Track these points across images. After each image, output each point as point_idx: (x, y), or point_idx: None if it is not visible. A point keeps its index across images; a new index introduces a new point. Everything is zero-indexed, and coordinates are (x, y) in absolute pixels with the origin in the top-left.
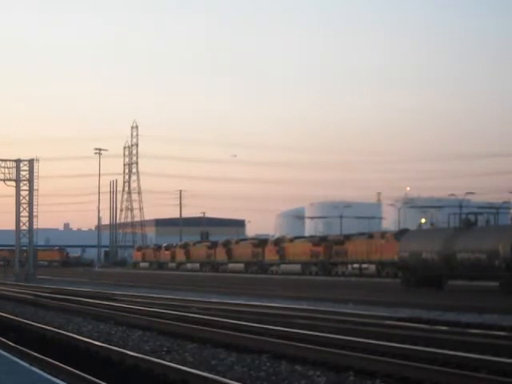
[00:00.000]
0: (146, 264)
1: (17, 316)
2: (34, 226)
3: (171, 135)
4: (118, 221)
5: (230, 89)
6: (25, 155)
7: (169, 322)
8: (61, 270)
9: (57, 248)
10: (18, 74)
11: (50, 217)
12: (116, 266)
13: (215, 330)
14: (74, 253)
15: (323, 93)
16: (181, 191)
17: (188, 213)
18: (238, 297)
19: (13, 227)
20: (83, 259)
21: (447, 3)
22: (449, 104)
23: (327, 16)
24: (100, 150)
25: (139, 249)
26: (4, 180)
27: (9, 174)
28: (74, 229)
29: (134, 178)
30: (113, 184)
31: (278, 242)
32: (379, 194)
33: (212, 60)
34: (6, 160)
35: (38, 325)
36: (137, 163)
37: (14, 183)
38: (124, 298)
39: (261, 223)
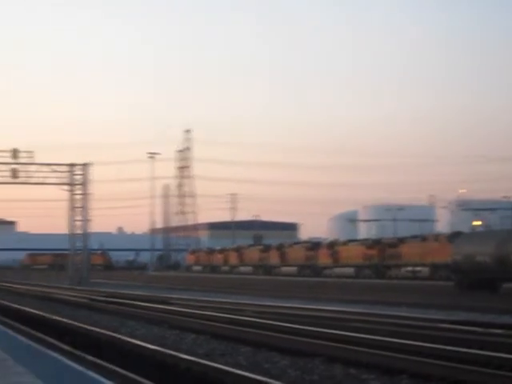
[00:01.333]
0: (199, 267)
1: (72, 320)
2: (88, 230)
3: (224, 139)
4: (171, 224)
5: (281, 91)
6: (78, 160)
7: (222, 325)
8: (110, 274)
9: (100, 252)
10: (70, 80)
11: (103, 221)
12: (169, 270)
13: (269, 333)
14: (127, 257)
15: (369, 93)
16: (234, 195)
17: (241, 216)
18: (291, 300)
19: (65, 231)
20: (137, 263)
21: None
22: (504, 104)
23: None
24: (153, 154)
25: (192, 252)
26: (58, 184)
27: (63, 178)
28: (128, 232)
29: (186, 181)
30: (166, 188)
31: (332, 245)
32: (432, 196)
33: (264, 62)
34: (59, 164)
35: (93, 328)
36: (190, 167)
37: (67, 187)
38: (177, 302)
39: (314, 226)
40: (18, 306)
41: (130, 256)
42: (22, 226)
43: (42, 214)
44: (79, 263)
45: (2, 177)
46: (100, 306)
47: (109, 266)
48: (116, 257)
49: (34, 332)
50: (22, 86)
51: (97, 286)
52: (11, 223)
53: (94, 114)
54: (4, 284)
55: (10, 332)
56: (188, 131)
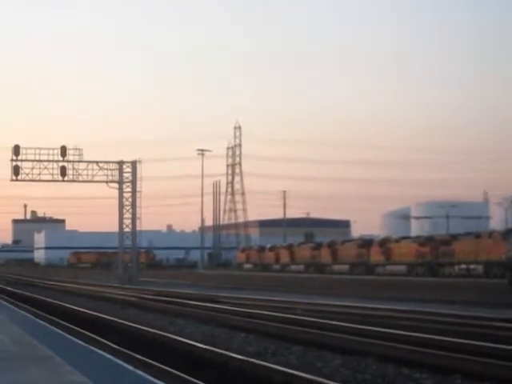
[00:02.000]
0: (249, 265)
1: (121, 318)
2: (137, 228)
3: (274, 135)
4: (221, 222)
5: (332, 86)
6: (128, 157)
7: (273, 323)
8: (159, 273)
9: (143, 250)
10: (119, 76)
11: (152, 219)
12: (220, 268)
13: (320, 331)
14: (177, 255)
15: (433, 89)
16: (284, 192)
17: (292, 213)
18: (342, 298)
19: (114, 229)
20: (187, 261)
21: None
22: None
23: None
24: (203, 150)
25: (243, 250)
26: (107, 182)
27: (112, 176)
28: (177, 230)
29: (237, 178)
30: (216, 185)
31: (384, 242)
32: (486, 193)
33: (315, 57)
34: (108, 162)
35: (141, 327)
36: (240, 164)
37: (116, 185)
38: (227, 300)
39: (366, 223)
40: (66, 305)
41: (180, 254)
42: (71, 224)
43: (90, 212)
44: (128, 262)
45: (51, 175)
46: (149, 304)
47: (152, 264)
48: (165, 255)
49: (82, 330)
50: (71, 84)
51: (145, 285)
52: (60, 221)
53: (142, 111)
54: (52, 283)
55: (59, 330)
56: (238, 128)
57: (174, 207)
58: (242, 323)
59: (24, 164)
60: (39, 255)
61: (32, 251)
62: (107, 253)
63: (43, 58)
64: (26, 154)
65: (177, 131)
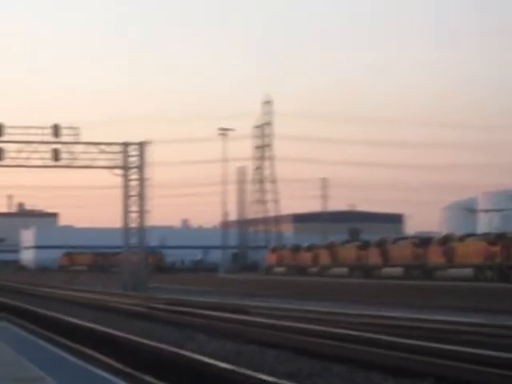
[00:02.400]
0: (281, 269)
1: (126, 332)
2: (146, 224)
3: (312, 111)
4: (247, 216)
5: (378, 58)
6: (134, 138)
7: (310, 339)
8: (173, 277)
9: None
10: (121, 40)
11: (164, 212)
12: (245, 272)
13: (367, 348)
14: (194, 256)
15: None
16: (324, 179)
17: (333, 206)
18: (395, 308)
19: (117, 225)
20: (206, 263)
21: None
22: None
23: None
24: (225, 130)
25: (274, 250)
26: (109, 168)
27: (115, 160)
28: (195, 226)
29: (266, 163)
30: (241, 171)
31: (445, 240)
32: None
33: (358, 25)
34: (110, 143)
35: (151, 343)
36: (270, 146)
37: (121, 171)
38: (255, 311)
39: (423, 218)
40: (61, 316)
41: (198, 255)
42: (66, 219)
43: (89, 203)
44: (134, 264)
45: (42, 159)
46: (160, 315)
47: (160, 267)
48: (180, 256)
49: (79, 346)
50: (63, 53)
51: (156, 292)
52: (52, 215)
53: (150, 82)
54: (44, 289)
55: (51, 347)
56: (268, 102)
57: (191, 198)
58: (273, 338)
59: (9, 146)
60: (27, 256)
61: (18, 251)
62: (105, 253)
63: (34, 23)
64: (12, 134)
65: (193, 106)
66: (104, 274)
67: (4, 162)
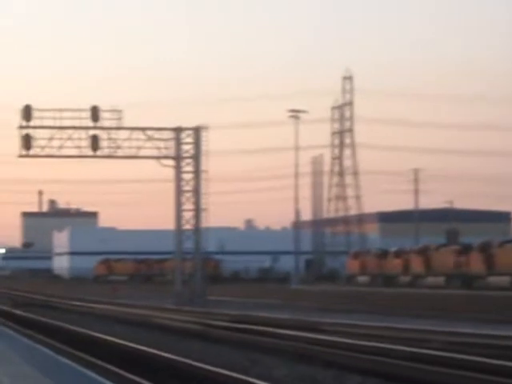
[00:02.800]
0: (365, 278)
1: (179, 354)
2: (204, 224)
3: (401, 90)
4: (324, 215)
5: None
6: (188, 122)
7: (400, 362)
8: (236, 289)
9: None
10: (171, 13)
11: (225, 211)
12: (322, 282)
13: (470, 373)
14: (261, 263)
15: None
16: (417, 171)
17: (427, 203)
18: (505, 326)
19: (168, 226)
20: (275, 272)
21: None
22: None
23: None
24: (297, 112)
25: (356, 256)
26: (158, 158)
27: (166, 149)
28: (261, 227)
29: (347, 152)
30: (317, 162)
31: None
32: None
33: None
34: (161, 129)
35: (210, 367)
36: (351, 131)
37: (172, 162)
38: (333, 329)
39: None
40: (100, 335)
41: (265, 262)
42: (106, 219)
43: (134, 201)
44: (188, 273)
45: (78, 148)
46: (220, 334)
47: (216, 277)
48: (244, 263)
49: (122, 372)
50: (104, 28)
51: (216, 306)
52: (91, 215)
53: (206, 57)
54: (80, 304)
55: (88, 372)
56: (348, 78)
57: (256, 194)
58: (356, 361)
59: (38, 133)
60: (60, 264)
61: (50, 258)
62: (148, 260)
63: None
64: (42, 118)
65: (259, 85)
66: (148, 284)
67: (33, 152)
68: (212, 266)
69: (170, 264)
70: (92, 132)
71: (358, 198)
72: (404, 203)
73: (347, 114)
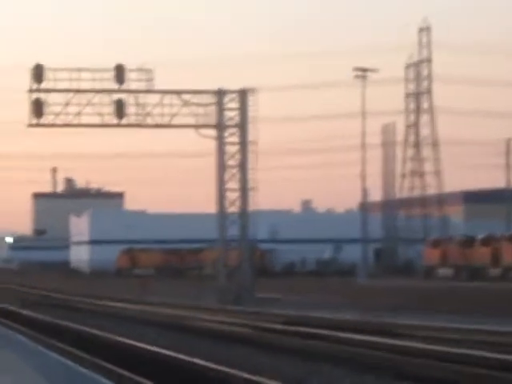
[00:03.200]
0: (447, 271)
1: (223, 363)
2: (252, 207)
3: (489, 43)
4: (397, 195)
5: None
6: (232, 83)
7: (495, 373)
8: (291, 284)
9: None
10: None
11: (277, 190)
12: (395, 275)
13: None
14: (320, 253)
15: None
16: (509, 141)
17: None
18: None
19: (212, 209)
20: (337, 263)
21: None
22: None
23: None
24: (364, 70)
25: (436, 244)
26: (196, 127)
27: (205, 116)
28: (320, 210)
29: (424, 118)
30: (388, 131)
31: None
32: None
33: None
34: (200, 92)
35: (262, 380)
36: (430, 93)
37: (214, 132)
38: (411, 332)
39: None
40: (128, 341)
41: (326, 252)
42: (135, 201)
43: (168, 179)
44: (233, 265)
45: (100, 115)
46: (273, 339)
47: (264, 270)
48: (300, 253)
49: None
50: None
51: (267, 305)
52: (116, 196)
53: (250, 11)
54: (103, 303)
55: None
56: (426, 30)
57: (314, 170)
58: (438, 372)
59: (52, 97)
60: (79, 255)
61: (66, 248)
62: (180, 251)
63: None
64: (56, 80)
65: (317, 39)
66: (180, 279)
67: (45, 120)
68: (258, 257)
69: (208, 255)
70: (116, 96)
71: (437, 173)
72: (494, 180)
73: (424, 72)
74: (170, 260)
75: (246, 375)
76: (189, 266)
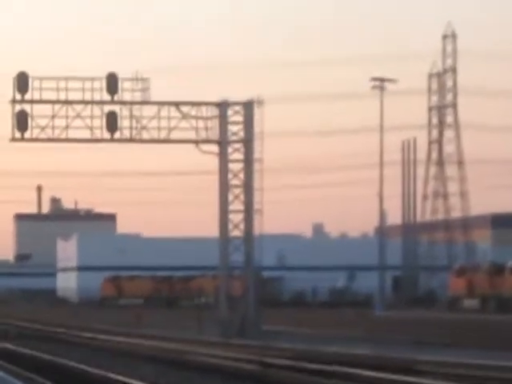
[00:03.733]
0: (474, 302)
1: None
2: (258, 231)
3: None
4: (418, 219)
5: None
6: (237, 94)
7: None
8: (301, 315)
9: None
10: None
11: (286, 212)
12: (416, 307)
13: None
14: (333, 281)
15: None
16: None
17: None
18: None
19: (214, 232)
20: (352, 293)
21: None
22: None
23: None
24: (382, 80)
25: (461, 272)
26: (197, 142)
27: (207, 130)
28: (333, 234)
29: (449, 134)
30: (408, 146)
31: None
32: None
33: None
34: (200, 103)
35: None
36: (454, 106)
37: (216, 148)
38: (435, 369)
39: None
40: (120, 378)
41: (339, 280)
42: (127, 223)
43: (165, 199)
44: (237, 295)
45: (90, 129)
46: (282, 377)
47: (270, 300)
48: (311, 282)
49: None
50: None
51: (275, 339)
52: (107, 218)
53: (253, 14)
54: (93, 335)
55: None
56: (451, 37)
57: (327, 190)
58: None
59: (38, 109)
60: (66, 282)
61: (53, 275)
62: (172, 278)
63: None
64: (41, 89)
65: (331, 46)
66: (173, 310)
67: (30, 135)
68: (265, 285)
69: (200, 283)
70: (108, 108)
71: (463, 194)
72: None
73: (449, 83)
74: (159, 289)
75: None
76: (180, 295)
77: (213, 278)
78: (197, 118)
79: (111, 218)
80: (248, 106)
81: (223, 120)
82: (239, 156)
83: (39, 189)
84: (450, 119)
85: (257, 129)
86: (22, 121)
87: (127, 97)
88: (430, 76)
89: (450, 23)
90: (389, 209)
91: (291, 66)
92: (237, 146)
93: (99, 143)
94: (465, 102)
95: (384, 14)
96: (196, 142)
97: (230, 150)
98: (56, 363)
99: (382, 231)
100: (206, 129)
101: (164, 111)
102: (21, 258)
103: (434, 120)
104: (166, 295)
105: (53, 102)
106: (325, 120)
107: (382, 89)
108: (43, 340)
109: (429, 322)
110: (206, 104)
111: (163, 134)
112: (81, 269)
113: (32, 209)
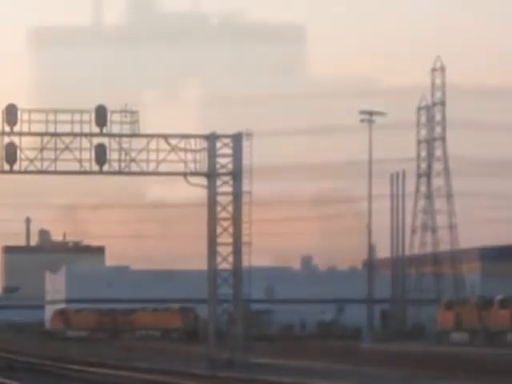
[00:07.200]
0: (461, 335)
1: None
2: (246, 263)
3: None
4: (406, 252)
5: None
6: (225, 127)
7: None
8: (291, 349)
9: (177, 308)
10: None
11: (274, 245)
12: (404, 339)
13: None
14: (321, 315)
15: None
16: None
17: None
18: None
19: (202, 265)
20: (340, 326)
21: None
22: None
23: None
24: (371, 114)
25: (449, 306)
26: (185, 175)
27: (195, 162)
28: (322, 267)
29: (438, 167)
30: (396, 179)
31: None
32: None
33: None
34: (188, 136)
35: None
36: (444, 140)
37: (205, 181)
38: None
39: None
40: None
41: (327, 313)
42: (116, 256)
43: (153, 232)
44: (223, 324)
45: (79, 162)
46: None
47: (192, 333)
48: (299, 314)
49: None
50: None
51: (262, 372)
52: (96, 250)
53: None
54: (80, 368)
55: None
56: (440, 70)
57: (316, 223)
58: None
59: (26, 141)
60: None
61: (41, 308)
62: (113, 313)
63: None
64: (30, 121)
65: (319, 80)
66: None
67: (19, 167)
68: (189, 319)
69: (139, 316)
70: (97, 140)
71: (451, 228)
72: None
73: (437, 116)
74: (103, 321)
75: None
76: (122, 328)
77: (153, 312)
78: (185, 150)
79: (100, 250)
80: (237, 139)
81: (211, 153)
82: (228, 189)
83: (28, 221)
84: (438, 152)
85: (245, 162)
86: (10, 153)
87: (116, 129)
88: (419, 109)
89: (439, 57)
90: (377, 242)
91: (279, 100)
92: (225, 178)
93: (88, 175)
94: (454, 135)
95: (371, 46)
96: (185, 175)
97: (218, 182)
98: None
99: (371, 264)
100: (195, 161)
101: (153, 144)
102: (9, 290)
103: (423, 153)
104: (110, 327)
105: (42, 135)
106: (313, 153)
107: (370, 122)
108: (35, 373)
109: (417, 355)
110: (195, 137)
111: (152, 167)
112: (69, 301)
113: (20, 241)
